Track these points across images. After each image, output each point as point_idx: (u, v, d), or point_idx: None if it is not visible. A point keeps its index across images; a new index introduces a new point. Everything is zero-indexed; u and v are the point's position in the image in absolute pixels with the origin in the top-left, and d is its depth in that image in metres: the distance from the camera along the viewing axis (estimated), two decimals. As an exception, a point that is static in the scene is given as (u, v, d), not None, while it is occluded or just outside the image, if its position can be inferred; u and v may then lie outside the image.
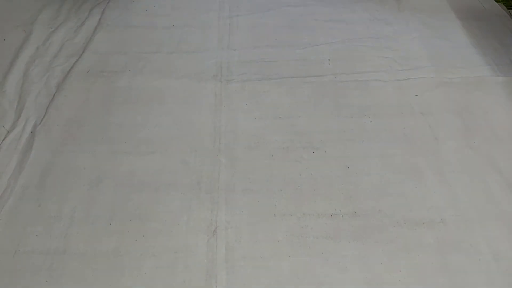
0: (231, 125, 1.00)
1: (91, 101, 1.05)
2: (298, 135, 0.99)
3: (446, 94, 1.08)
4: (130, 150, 0.94)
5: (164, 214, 0.84)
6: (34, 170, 0.90)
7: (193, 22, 1.30)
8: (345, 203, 0.86)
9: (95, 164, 0.91)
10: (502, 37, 1.26)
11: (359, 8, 1.37)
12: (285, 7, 1.36)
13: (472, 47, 1.23)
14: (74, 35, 1.24)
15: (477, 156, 0.94)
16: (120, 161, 0.92)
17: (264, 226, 0.82)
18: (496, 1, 1.40)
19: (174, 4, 1.36)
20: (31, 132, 0.97)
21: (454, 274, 0.76)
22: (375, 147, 0.96)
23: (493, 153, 0.95)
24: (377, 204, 0.86)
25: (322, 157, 0.94)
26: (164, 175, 0.90)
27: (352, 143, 0.97)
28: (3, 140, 0.95)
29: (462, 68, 1.15)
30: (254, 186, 0.89)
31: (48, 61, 1.15)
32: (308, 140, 0.97)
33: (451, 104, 1.06)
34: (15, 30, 1.25)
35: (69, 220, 0.82)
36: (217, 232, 0.81)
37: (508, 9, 1.37)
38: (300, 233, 0.81)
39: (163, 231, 0.81)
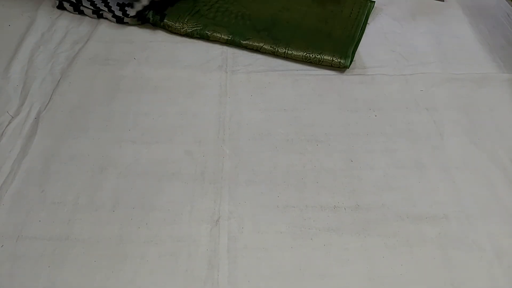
0: (236, 116, 1.00)
1: (95, 88, 1.05)
2: (302, 128, 0.98)
3: (451, 90, 1.08)
4: (135, 138, 0.94)
5: (168, 203, 0.84)
6: (38, 156, 0.90)
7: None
8: (348, 196, 0.86)
9: (99, 151, 0.91)
10: (509, 35, 1.25)
11: (366, 2, 1.36)
12: (292, -1, 1.35)
13: (479, 44, 1.22)
14: (79, 22, 1.23)
15: (481, 153, 0.94)
16: (124, 149, 0.92)
17: (266, 217, 0.83)
18: (504, -2, 1.40)
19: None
20: (35, 118, 0.97)
21: (456, 270, 0.76)
22: (380, 141, 0.96)
23: (497, 150, 0.94)
24: (380, 198, 0.86)
25: (326, 150, 0.94)
26: (168, 164, 0.90)
27: (356, 136, 0.97)
28: (7, 125, 0.95)
29: (468, 64, 1.15)
30: (258, 178, 0.89)
31: (53, 47, 1.15)
32: (312, 133, 0.97)
33: (456, 100, 1.06)
34: (20, 16, 1.24)
35: (73, 206, 0.82)
36: (220, 222, 0.81)
37: (516, 6, 1.37)
38: (302, 225, 0.81)
39: (166, 220, 0.81)
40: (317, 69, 1.13)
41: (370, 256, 0.78)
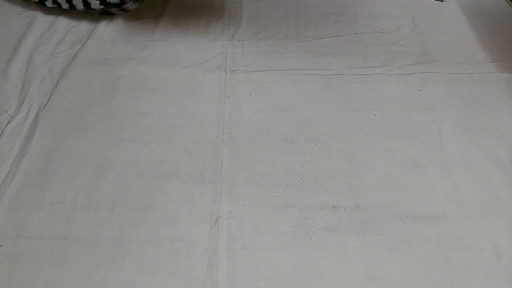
0: (235, 116, 1.00)
1: (95, 88, 1.05)
2: (301, 127, 0.98)
3: (450, 90, 1.08)
4: (134, 138, 0.94)
5: (167, 202, 0.84)
6: (37, 156, 0.90)
7: (198, 11, 1.30)
8: (347, 196, 0.86)
9: (98, 151, 0.91)
10: (508, 34, 1.25)
11: (365, 2, 1.36)
12: (290, -1, 1.36)
13: (478, 43, 1.22)
14: (78, 22, 1.23)
15: (480, 152, 0.94)
16: (123, 149, 0.92)
17: (266, 217, 0.83)
18: (503, -2, 1.40)
19: (179, -6, 1.35)
20: (34, 118, 0.97)
21: (455, 269, 0.76)
22: (379, 141, 0.96)
23: (496, 149, 0.95)
24: (379, 197, 0.86)
25: (325, 150, 0.94)
26: (167, 164, 0.90)
27: (356, 136, 0.97)
28: (6, 125, 0.95)
29: (467, 64, 1.15)
30: (257, 177, 0.89)
31: (52, 47, 1.15)
32: (312, 133, 0.97)
33: (455, 99, 1.06)
34: (19, 15, 1.24)
35: (72, 206, 0.82)
36: (219, 222, 0.81)
37: (514, 6, 1.37)
38: (302, 225, 0.81)
39: (166, 219, 0.81)
40: (316, 69, 1.13)
41: (369, 256, 0.78)
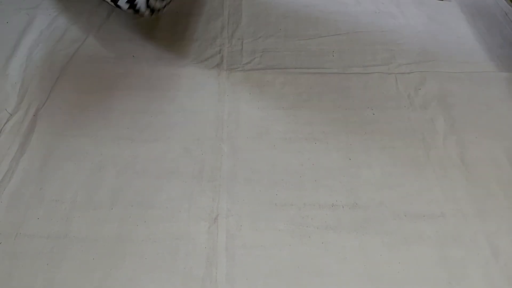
0: (234, 114, 1.00)
1: (94, 86, 1.05)
2: (300, 126, 0.99)
3: (449, 89, 1.08)
4: (133, 136, 0.94)
5: (166, 201, 0.84)
6: (36, 154, 0.90)
7: (198, 10, 1.30)
8: (346, 194, 0.87)
9: (97, 149, 0.91)
10: (507, 34, 1.25)
11: (365, 0, 1.36)
12: (290, -2, 1.36)
13: (477, 42, 1.22)
14: (78, 20, 1.23)
15: (478, 151, 0.94)
16: (122, 147, 0.92)
17: (265, 215, 0.83)
18: (502, -3, 1.40)
19: (178, -8, 1.35)
20: (33, 116, 0.97)
21: (453, 268, 0.77)
22: (377, 140, 0.96)
23: (494, 148, 0.95)
24: (378, 196, 0.86)
25: (324, 149, 0.94)
26: (166, 162, 0.90)
27: (354, 135, 0.97)
28: (5, 123, 0.95)
29: (466, 63, 1.15)
30: (256, 176, 0.89)
31: (51, 45, 1.15)
32: (311, 131, 0.98)
33: (454, 98, 1.06)
34: (18, 13, 1.24)
35: (71, 204, 0.83)
36: (218, 220, 0.82)
37: (514, 5, 1.37)
38: (300, 223, 0.82)
39: (165, 217, 0.81)
40: (315, 67, 1.13)
41: (367, 254, 0.78)
